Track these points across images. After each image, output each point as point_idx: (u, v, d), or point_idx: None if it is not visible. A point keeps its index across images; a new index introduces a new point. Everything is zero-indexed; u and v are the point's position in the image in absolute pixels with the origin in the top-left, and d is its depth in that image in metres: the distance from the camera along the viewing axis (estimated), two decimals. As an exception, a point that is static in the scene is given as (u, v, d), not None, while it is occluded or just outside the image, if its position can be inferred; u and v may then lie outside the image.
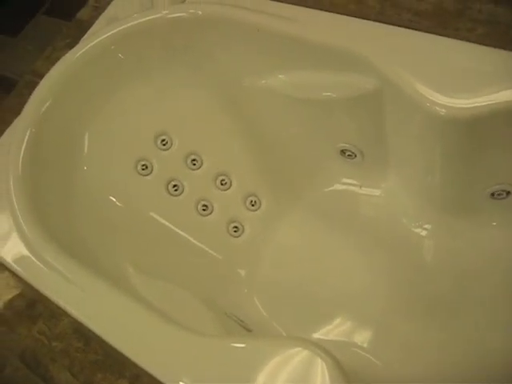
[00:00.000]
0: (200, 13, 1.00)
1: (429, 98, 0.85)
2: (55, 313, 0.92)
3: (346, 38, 0.93)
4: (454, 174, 0.98)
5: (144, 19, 1.01)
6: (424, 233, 1.08)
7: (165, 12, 1.01)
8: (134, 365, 0.82)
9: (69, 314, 0.88)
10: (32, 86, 1.20)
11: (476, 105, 0.83)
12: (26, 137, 0.98)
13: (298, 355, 0.70)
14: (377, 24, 0.95)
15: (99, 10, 1.25)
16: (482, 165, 0.93)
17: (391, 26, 0.94)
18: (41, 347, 0.90)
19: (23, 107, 1.11)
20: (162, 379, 0.76)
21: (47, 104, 1.01)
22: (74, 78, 1.03)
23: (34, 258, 0.91)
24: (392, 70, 0.88)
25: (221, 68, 1.08)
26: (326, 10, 1.02)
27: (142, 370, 0.81)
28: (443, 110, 0.84)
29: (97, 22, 1.17)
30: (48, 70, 1.17)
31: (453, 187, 1.00)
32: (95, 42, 1.01)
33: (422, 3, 0.97)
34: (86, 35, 1.16)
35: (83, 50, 1.02)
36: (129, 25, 1.01)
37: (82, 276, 0.87)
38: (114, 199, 1.08)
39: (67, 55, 1.04)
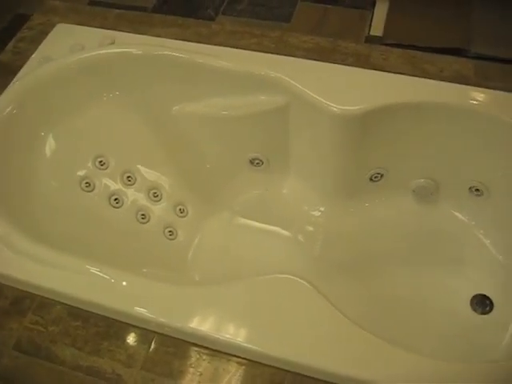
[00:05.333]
0: (140, 52, 1.24)
1: (326, 102, 1.18)
2: (45, 303, 1.01)
3: (259, 66, 1.23)
4: (342, 163, 1.32)
5: (91, 54, 1.21)
6: (319, 213, 1.42)
7: (111, 49, 1.21)
8: (137, 327, 0.96)
9: (61, 296, 0.98)
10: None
11: (357, 107, 1.18)
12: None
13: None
14: (279, 56, 1.28)
15: (20, 54, 1.38)
16: (363, 153, 1.28)
17: (291, 57, 1.27)
18: (37, 334, 0.98)
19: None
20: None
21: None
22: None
23: (14, 255, 1.00)
24: (298, 87, 1.21)
25: (152, 97, 1.30)
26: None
27: (145, 329, 0.96)
28: (336, 109, 1.17)
29: (28, 62, 1.30)
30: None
31: (342, 175, 1.35)
32: (53, 67, 1.18)
33: (306, 43, 1.34)
34: (20, 73, 1.28)
35: (35, 76, 1.18)
36: (78, 58, 1.20)
37: (65, 259, 1.00)
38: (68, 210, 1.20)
39: (25, 79, 1.20)
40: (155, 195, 1.36)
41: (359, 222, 1.40)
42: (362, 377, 0.85)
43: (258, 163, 1.42)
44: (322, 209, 1.42)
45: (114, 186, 1.30)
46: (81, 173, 1.26)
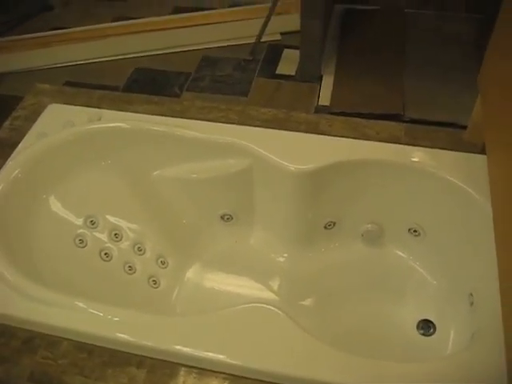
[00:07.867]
0: (128, 127, 1.47)
1: (283, 163, 1.42)
2: (53, 341, 1.16)
3: (227, 135, 1.48)
4: (300, 214, 1.55)
5: (85, 128, 1.43)
6: (283, 259, 1.64)
7: (101, 124, 1.44)
8: (136, 355, 1.12)
9: (68, 332, 1.14)
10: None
11: (309, 166, 1.42)
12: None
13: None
14: (243, 126, 1.52)
15: (17, 130, 1.58)
16: (317, 204, 1.52)
17: (253, 127, 1.52)
18: (48, 367, 1.12)
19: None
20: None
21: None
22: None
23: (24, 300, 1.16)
24: (260, 151, 1.45)
25: (136, 165, 1.52)
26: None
27: (143, 356, 1.12)
28: (292, 168, 1.42)
29: (25, 137, 1.50)
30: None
31: (300, 224, 1.57)
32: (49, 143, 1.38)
33: (265, 115, 1.59)
34: (18, 147, 1.48)
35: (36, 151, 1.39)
36: (74, 131, 1.42)
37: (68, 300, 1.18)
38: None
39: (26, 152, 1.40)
40: (139, 249, 1.54)
41: (317, 265, 1.61)
42: (325, 379, 1.04)
43: (227, 218, 1.63)
44: (286, 255, 1.64)
45: (104, 242, 1.49)
46: (75, 231, 1.44)
